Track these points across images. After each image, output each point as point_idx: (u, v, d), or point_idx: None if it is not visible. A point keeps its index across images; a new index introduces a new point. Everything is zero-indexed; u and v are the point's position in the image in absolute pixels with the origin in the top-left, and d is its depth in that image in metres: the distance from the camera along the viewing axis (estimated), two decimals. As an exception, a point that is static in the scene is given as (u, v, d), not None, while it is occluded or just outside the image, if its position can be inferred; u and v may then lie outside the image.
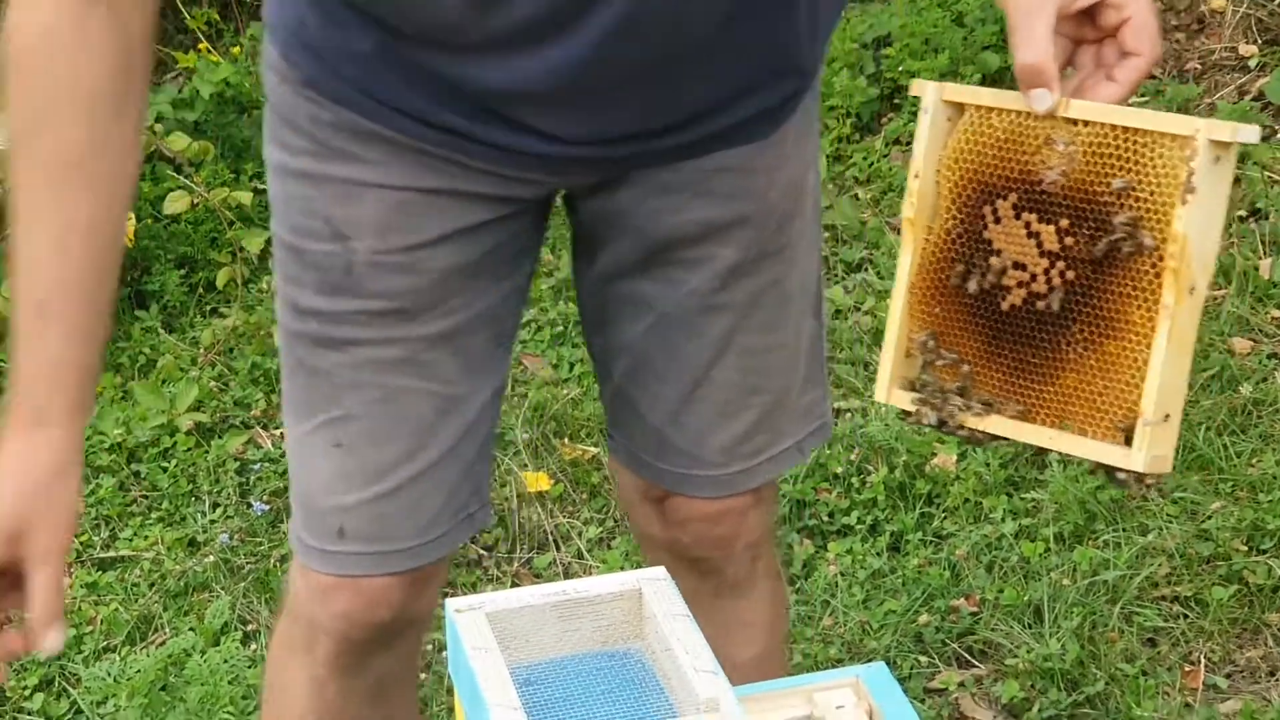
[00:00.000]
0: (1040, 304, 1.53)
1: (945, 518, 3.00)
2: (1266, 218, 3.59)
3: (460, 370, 1.79)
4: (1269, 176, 3.69)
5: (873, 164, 4.06)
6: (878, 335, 3.48)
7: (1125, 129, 1.48)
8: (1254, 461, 3.03)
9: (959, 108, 1.57)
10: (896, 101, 4.26)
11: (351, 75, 1.67)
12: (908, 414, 1.61)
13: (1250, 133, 1.45)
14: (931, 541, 2.96)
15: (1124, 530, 2.90)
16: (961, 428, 1.59)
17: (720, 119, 1.75)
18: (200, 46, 4.24)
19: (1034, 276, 1.53)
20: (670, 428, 1.92)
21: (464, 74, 1.63)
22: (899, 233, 3.79)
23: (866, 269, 3.71)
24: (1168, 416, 1.48)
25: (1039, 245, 1.52)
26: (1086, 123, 1.50)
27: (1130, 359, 1.49)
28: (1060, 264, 1.51)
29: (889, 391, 1.62)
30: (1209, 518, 2.90)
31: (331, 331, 1.75)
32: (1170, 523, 2.90)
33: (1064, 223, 1.51)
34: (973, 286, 1.56)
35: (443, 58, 1.63)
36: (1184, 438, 3.05)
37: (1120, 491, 2.96)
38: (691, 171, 1.78)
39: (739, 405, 1.92)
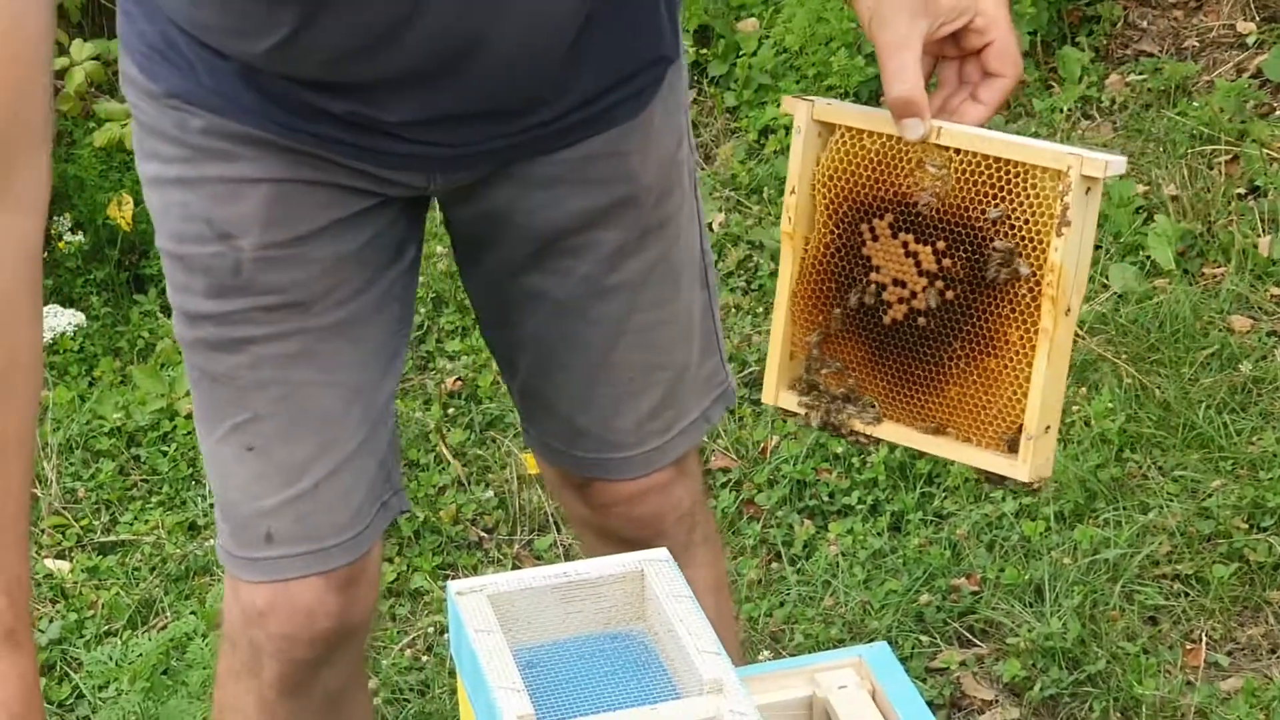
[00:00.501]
0: (921, 320, 1.57)
1: (946, 497, 3.00)
2: (1265, 195, 3.59)
3: (360, 360, 1.79)
4: (1268, 154, 3.68)
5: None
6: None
7: (998, 159, 1.52)
8: (1254, 439, 3.02)
9: (831, 126, 1.59)
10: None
11: (217, 86, 1.67)
12: (792, 414, 1.65)
13: (1118, 165, 1.49)
14: (932, 521, 2.96)
15: (1124, 509, 2.90)
16: (851, 432, 1.64)
17: (585, 108, 1.76)
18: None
19: (914, 294, 1.57)
20: (579, 414, 1.93)
21: (317, 97, 1.65)
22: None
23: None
24: (1048, 428, 1.55)
25: (917, 264, 1.56)
26: (959, 151, 1.54)
27: (1010, 376, 1.54)
28: (939, 283, 1.55)
29: (776, 394, 1.67)
30: (1209, 496, 2.90)
31: (227, 333, 1.74)
32: (1171, 501, 2.90)
33: (940, 244, 1.55)
34: (853, 301, 1.60)
35: (295, 85, 1.65)
36: (1184, 416, 3.05)
37: (1120, 470, 2.96)
38: (564, 163, 1.78)
39: (642, 383, 1.92)
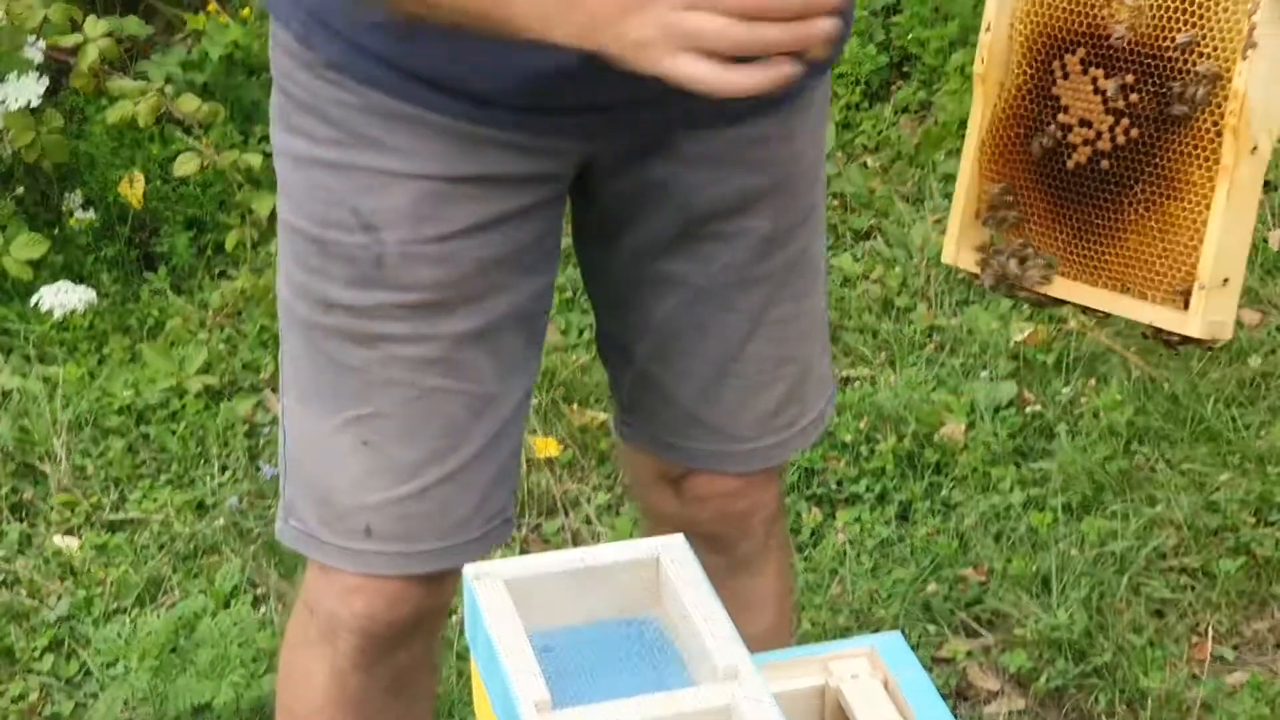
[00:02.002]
0: (1105, 163, 1.50)
1: (954, 487, 3.00)
2: (1275, 190, 3.59)
3: (494, 370, 1.75)
4: (1277, 148, 3.68)
5: (881, 132, 4.05)
6: (886, 304, 3.48)
7: None
8: (1262, 433, 3.03)
9: None
10: (905, 69, 4.25)
11: (379, 51, 1.63)
12: (974, 276, 1.59)
13: None
14: (940, 511, 2.96)
15: (1132, 501, 2.90)
16: (1022, 288, 1.56)
17: None
18: (209, 8, 4.23)
19: (1099, 134, 1.49)
20: (701, 406, 1.90)
21: (490, 48, 1.58)
22: (908, 201, 3.79)
23: (875, 237, 3.71)
24: (1226, 280, 1.45)
25: (1104, 101, 1.49)
26: None
27: (1190, 220, 1.45)
28: (1125, 121, 1.48)
29: (957, 253, 1.59)
30: (1217, 489, 2.91)
31: (363, 326, 1.71)
32: (1179, 494, 2.91)
33: (1129, 79, 1.47)
34: (1039, 145, 1.53)
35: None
36: (1192, 409, 3.06)
37: (1128, 462, 2.97)
38: (731, 141, 1.75)
39: (771, 377, 1.90)
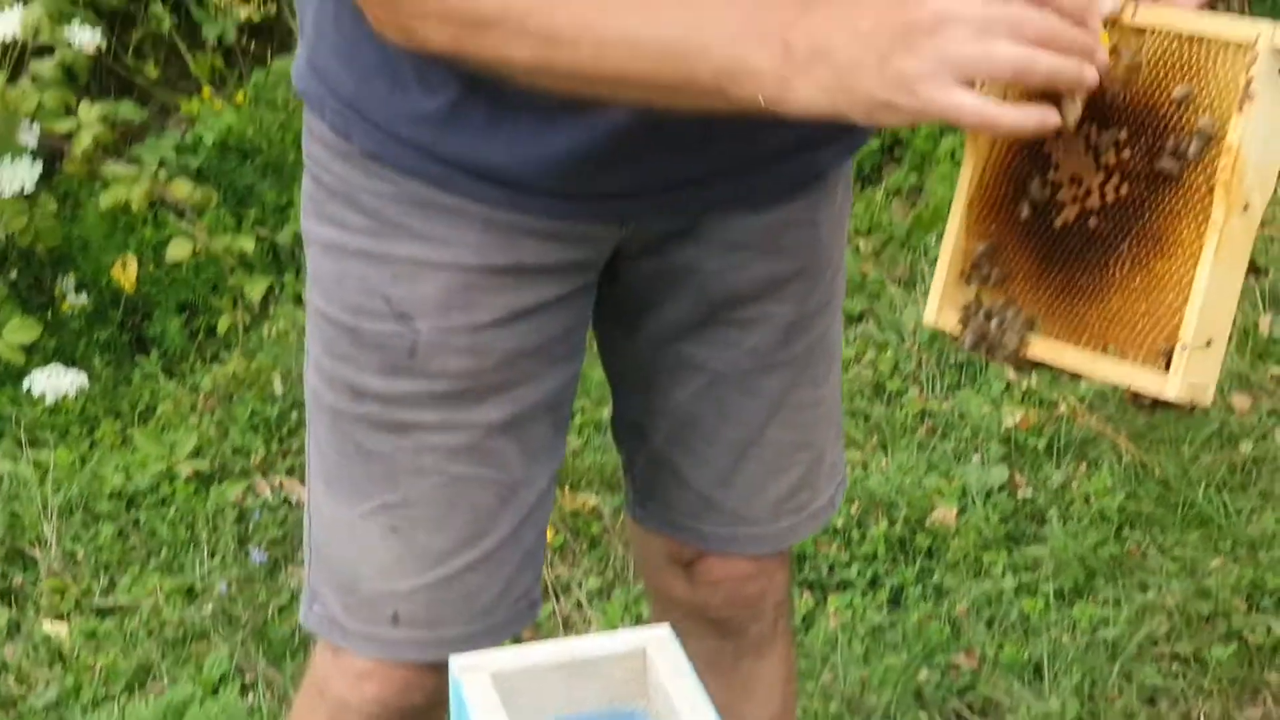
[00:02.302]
0: (1093, 221, 1.47)
1: (946, 572, 2.99)
2: (1266, 274, 3.60)
3: (522, 457, 1.75)
4: (1268, 234, 3.70)
5: (874, 215, 4.06)
6: (878, 388, 3.48)
7: (1189, 37, 1.42)
8: (1254, 519, 3.03)
9: None
10: (897, 153, 4.27)
11: (416, 139, 1.62)
12: (954, 338, 1.55)
13: None
14: (931, 596, 2.96)
15: (1124, 587, 2.90)
16: (1002, 350, 1.52)
17: (795, 163, 1.73)
18: (204, 93, 4.25)
19: (1089, 191, 1.47)
20: (717, 489, 1.90)
21: (531, 133, 1.59)
22: (900, 285, 3.79)
23: (867, 320, 3.71)
24: (1210, 342, 1.41)
25: (1096, 158, 1.46)
26: (1152, 31, 1.44)
27: (1177, 279, 1.41)
28: (1115, 178, 1.45)
29: (938, 314, 1.55)
30: (1209, 575, 2.90)
31: (393, 414, 1.71)
32: (1170, 580, 2.90)
33: (1123, 135, 1.44)
34: (1027, 203, 1.50)
35: (515, 113, 1.59)
36: (1184, 494, 3.06)
37: (1120, 548, 2.96)
38: (757, 229, 1.76)
39: (788, 462, 1.91)
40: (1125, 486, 3.10)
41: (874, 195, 4.14)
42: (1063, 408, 3.34)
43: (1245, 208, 1.39)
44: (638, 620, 2.90)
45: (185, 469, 3.35)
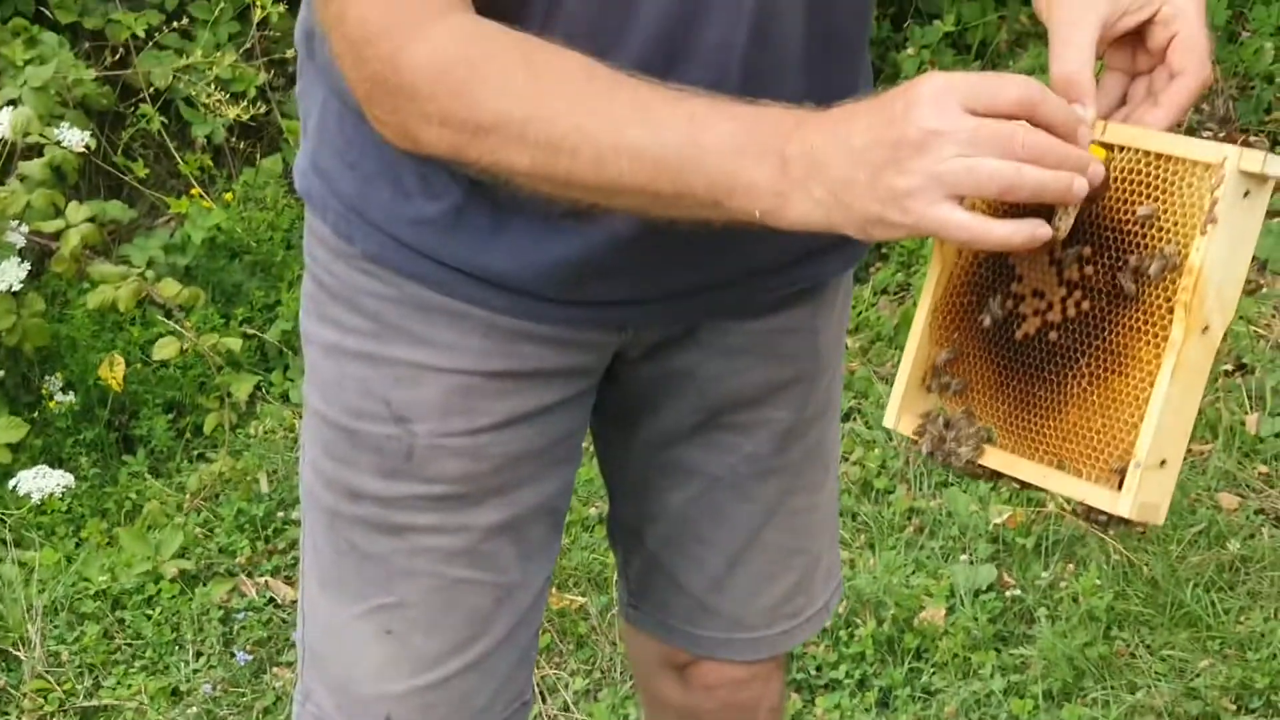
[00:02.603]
0: (1053, 335, 1.47)
1: (934, 673, 2.98)
2: (1253, 372, 3.61)
3: (518, 559, 1.75)
4: (1254, 331, 3.71)
5: (861, 313, 4.07)
6: (866, 486, 3.48)
7: (1157, 155, 1.42)
8: (1242, 619, 3.02)
9: None
10: (884, 251, 4.28)
11: (418, 243, 1.62)
12: (914, 442, 1.55)
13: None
14: (920, 697, 2.94)
15: (1112, 688, 2.88)
16: (957, 459, 1.52)
17: (796, 274, 1.74)
18: (193, 192, 4.26)
19: (1050, 305, 1.47)
20: (712, 594, 1.90)
21: (533, 240, 1.60)
22: (887, 382, 3.79)
23: (854, 418, 3.71)
24: (1164, 462, 1.40)
25: (1059, 272, 1.46)
26: (1120, 148, 1.44)
27: (1133, 397, 1.41)
28: (1077, 293, 1.45)
29: (898, 418, 1.56)
30: (1198, 676, 2.89)
31: (389, 517, 1.70)
32: (1159, 680, 2.89)
33: (1087, 250, 1.44)
34: (989, 314, 1.50)
35: (518, 220, 1.59)
36: (1172, 594, 3.05)
37: (1109, 648, 2.95)
38: (756, 334, 1.76)
39: (783, 567, 1.91)
40: (1114, 586, 3.09)
41: (862, 293, 4.15)
42: (1050, 506, 3.34)
43: (1205, 329, 1.39)
44: (625, 722, 2.89)
45: (170, 569, 3.34)
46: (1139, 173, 1.44)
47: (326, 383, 1.72)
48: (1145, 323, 1.42)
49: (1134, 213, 1.43)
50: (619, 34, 1.47)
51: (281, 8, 4.34)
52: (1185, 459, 3.41)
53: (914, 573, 3.19)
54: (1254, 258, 4.01)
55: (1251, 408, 3.53)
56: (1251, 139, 4.44)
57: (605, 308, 1.67)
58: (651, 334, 1.75)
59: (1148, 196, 1.43)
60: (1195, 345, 1.39)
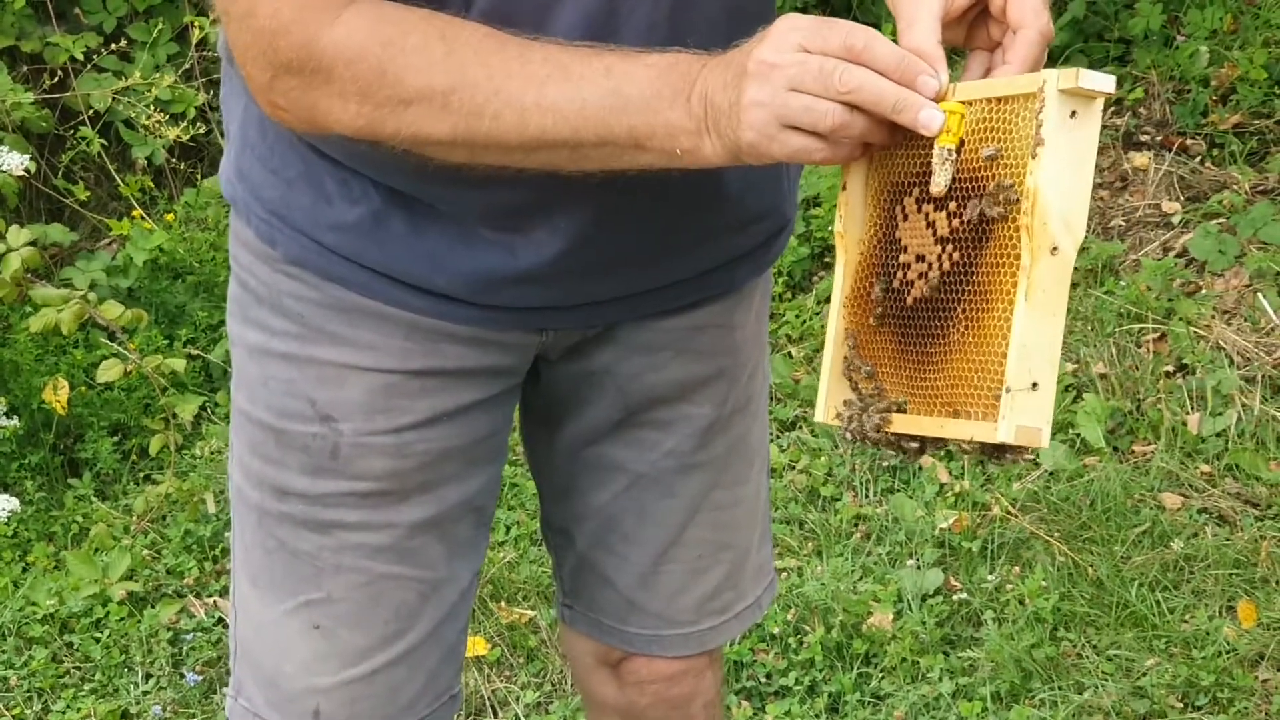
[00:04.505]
0: (936, 293, 1.50)
1: (883, 678, 2.99)
2: (1194, 373, 3.64)
3: (444, 556, 1.78)
4: (1194, 332, 3.74)
5: (805, 322, 4.09)
6: (813, 494, 3.49)
7: (996, 100, 1.46)
8: (1187, 617, 3.04)
9: None
10: (827, 260, 4.30)
11: (339, 248, 1.65)
12: (837, 429, 1.57)
13: (1098, 80, 1.41)
14: (870, 702, 2.95)
15: (1060, 689, 2.90)
16: (872, 432, 1.54)
17: (710, 280, 1.77)
18: (134, 214, 4.25)
19: (929, 265, 1.50)
20: (640, 590, 1.92)
21: (450, 249, 1.63)
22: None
23: (800, 427, 3.73)
24: (1036, 385, 1.42)
25: (934, 233, 1.50)
26: (969, 103, 1.47)
27: (1001, 329, 1.44)
28: (949, 246, 1.49)
29: (828, 410, 1.58)
30: (1144, 675, 2.91)
31: (316, 514, 1.73)
32: (1106, 680, 2.91)
33: (952, 205, 1.49)
34: (879, 287, 1.54)
35: (436, 227, 1.62)
36: (1117, 594, 3.07)
37: (1055, 649, 2.97)
38: (671, 331, 1.79)
39: (710, 562, 1.92)
40: (1059, 587, 3.11)
41: (805, 302, 4.17)
42: (995, 509, 3.36)
43: (1054, 250, 1.43)
44: (576, 734, 2.89)
45: (119, 591, 3.33)
46: (984, 120, 1.48)
47: (252, 383, 1.75)
48: (1003, 256, 1.46)
49: (980, 156, 1.47)
50: (542, 23, 1.51)
51: (219, 27, 4.33)
52: (1128, 460, 3.45)
53: (861, 579, 3.21)
54: (1192, 259, 4.05)
55: (1193, 408, 3.55)
56: (1188, 142, 4.49)
57: (524, 313, 1.70)
58: (571, 335, 1.77)
59: (992, 139, 1.47)
60: (1046, 267, 1.42)
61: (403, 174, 1.58)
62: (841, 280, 1.58)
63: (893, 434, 1.54)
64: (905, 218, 1.53)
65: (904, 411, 1.54)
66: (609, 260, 1.64)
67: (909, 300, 1.53)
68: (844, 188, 1.56)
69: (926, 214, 1.51)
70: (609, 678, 2.02)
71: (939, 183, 1.48)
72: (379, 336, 1.68)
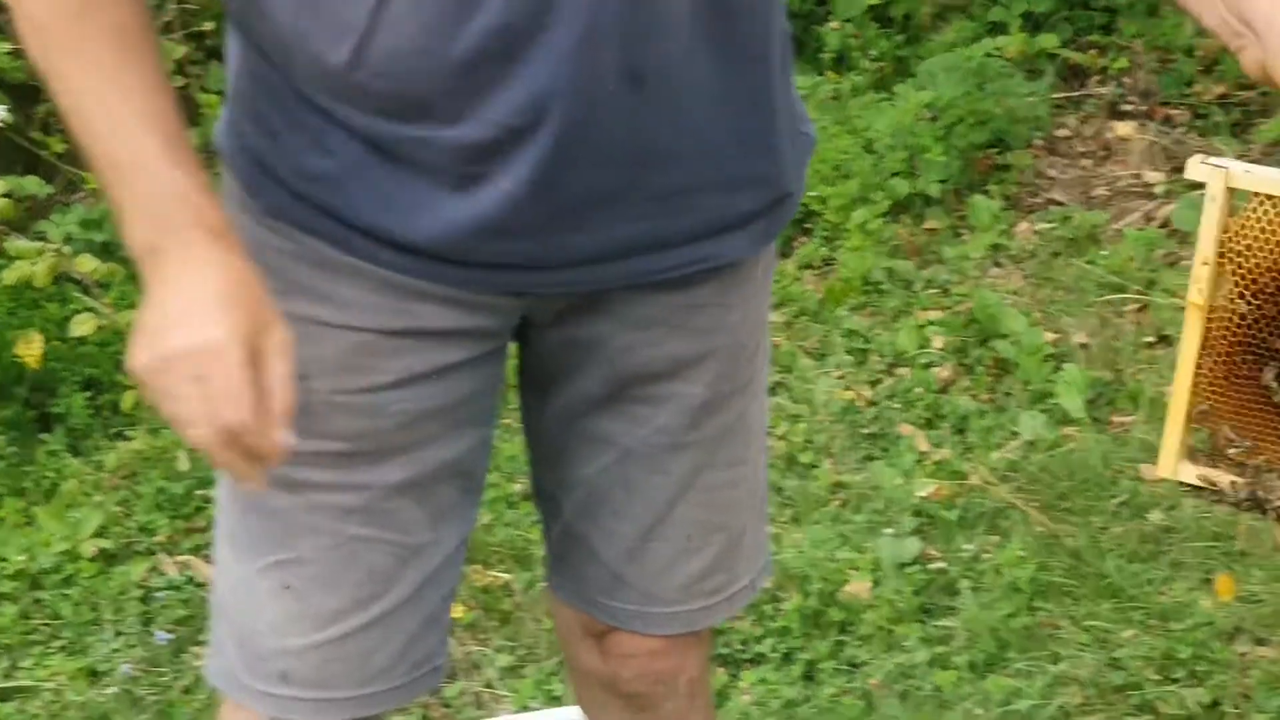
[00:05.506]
0: None
1: (859, 646, 2.98)
2: (1173, 344, 3.62)
3: (424, 519, 1.74)
4: (1175, 303, 3.72)
5: (785, 288, 4.07)
6: (790, 460, 3.47)
7: None
8: (1164, 589, 3.03)
9: (1246, 194, 1.47)
10: (808, 226, 4.28)
11: (316, 198, 1.62)
12: (1200, 488, 1.55)
13: None
14: (845, 670, 2.94)
15: (1036, 659, 2.89)
16: (1268, 506, 1.53)
17: (700, 250, 1.71)
18: (110, 167, 4.21)
19: None
20: (627, 566, 1.89)
21: (424, 200, 1.59)
22: (812, 356, 3.79)
23: (779, 393, 3.71)
24: None
25: None
26: None
27: None
28: None
29: (1175, 467, 1.55)
30: (1121, 646, 2.90)
31: (289, 473, 1.68)
32: (1082, 651, 2.90)
33: None
34: (1271, 376, 1.51)
35: (407, 176, 1.59)
36: (1094, 565, 3.06)
37: (1032, 619, 2.96)
38: (667, 306, 1.74)
39: (700, 543, 1.88)
40: (1037, 557, 3.10)
41: (785, 267, 4.15)
42: (974, 479, 3.34)
43: None
44: (550, 698, 2.87)
45: (89, 548, 3.30)
46: None
47: None
48: None
49: None
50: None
51: (200, -20, 4.29)
52: (1108, 429, 3.43)
53: (839, 547, 3.19)
54: (1174, 230, 4.04)
55: (1173, 379, 3.54)
56: (1172, 112, 4.47)
57: (502, 271, 1.66)
58: (555, 301, 1.73)
59: None
60: None
61: (373, 112, 1.55)
62: (1196, 348, 1.53)
63: None
64: None
65: None
66: (578, 207, 1.59)
67: None
68: (1204, 263, 1.49)
69: None
70: (594, 649, 1.99)
71: None
72: (355, 293, 1.66)
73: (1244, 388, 1.54)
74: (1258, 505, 1.55)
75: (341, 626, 1.75)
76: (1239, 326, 1.53)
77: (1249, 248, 1.50)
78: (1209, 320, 1.53)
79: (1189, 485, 1.55)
